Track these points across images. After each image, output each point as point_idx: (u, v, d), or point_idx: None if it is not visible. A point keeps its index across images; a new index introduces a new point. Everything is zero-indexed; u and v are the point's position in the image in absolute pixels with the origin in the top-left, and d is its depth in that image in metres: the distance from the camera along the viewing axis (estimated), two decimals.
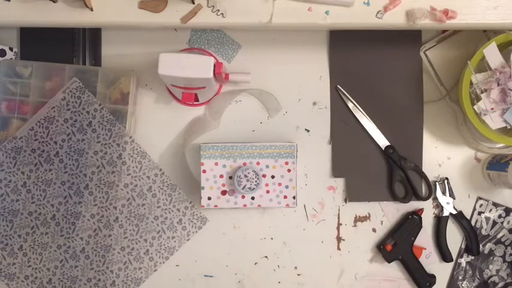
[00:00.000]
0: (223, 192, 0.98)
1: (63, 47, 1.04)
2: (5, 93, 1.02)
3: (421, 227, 1.05)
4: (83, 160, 1.03)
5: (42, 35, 1.03)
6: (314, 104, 1.06)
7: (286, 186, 0.98)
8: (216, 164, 0.98)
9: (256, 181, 0.97)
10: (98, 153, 1.03)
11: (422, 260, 1.05)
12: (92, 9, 0.88)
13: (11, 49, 1.04)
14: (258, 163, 0.98)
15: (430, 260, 1.06)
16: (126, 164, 1.04)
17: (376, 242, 1.06)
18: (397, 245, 1.04)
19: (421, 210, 1.05)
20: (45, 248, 1.03)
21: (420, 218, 1.05)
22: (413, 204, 1.06)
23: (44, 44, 1.04)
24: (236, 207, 0.99)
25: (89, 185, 1.03)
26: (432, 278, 1.05)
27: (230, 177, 0.98)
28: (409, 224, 1.04)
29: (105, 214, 1.03)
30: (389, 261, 1.04)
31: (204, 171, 0.98)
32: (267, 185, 0.98)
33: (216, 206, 0.98)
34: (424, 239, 1.06)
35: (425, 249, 1.05)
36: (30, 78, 1.02)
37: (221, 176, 0.98)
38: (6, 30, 1.05)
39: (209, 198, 0.98)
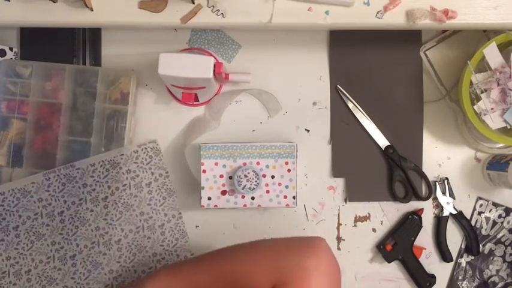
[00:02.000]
0: (223, 192, 0.98)
1: (63, 47, 1.04)
2: (5, 93, 1.02)
3: (421, 227, 1.05)
4: (126, 215, 1.02)
5: (42, 35, 1.03)
6: (314, 104, 1.06)
7: (286, 186, 0.98)
8: (216, 164, 0.98)
9: (256, 181, 0.97)
10: (144, 215, 1.03)
11: (422, 260, 1.05)
12: (92, 9, 0.88)
13: (11, 49, 1.04)
14: (258, 163, 0.98)
15: (430, 260, 1.06)
16: (163, 235, 1.03)
17: (376, 242, 1.06)
18: (397, 245, 1.04)
19: (421, 210, 1.05)
20: (51, 283, 1.01)
21: (420, 218, 1.05)
22: (413, 204, 1.06)
23: (44, 44, 1.04)
24: (236, 207, 0.99)
25: (121, 240, 1.02)
26: (432, 278, 1.05)
27: (230, 177, 0.98)
28: (409, 224, 1.04)
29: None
30: (389, 261, 1.04)
31: (204, 171, 0.98)
32: (267, 185, 0.98)
33: (216, 206, 0.98)
34: (424, 239, 1.06)
35: (425, 249, 1.05)
36: (30, 78, 1.02)
37: (221, 176, 0.98)
38: (6, 30, 1.05)
39: (209, 198, 0.98)
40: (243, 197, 0.98)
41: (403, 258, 1.04)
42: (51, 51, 1.04)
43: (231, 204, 0.98)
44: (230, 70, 1.04)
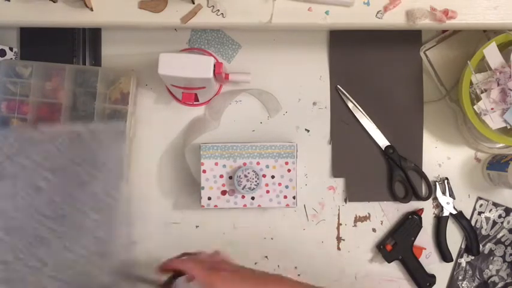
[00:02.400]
0: (223, 192, 0.98)
1: (63, 47, 1.04)
2: (5, 93, 1.02)
3: (421, 227, 1.05)
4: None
5: (42, 35, 1.03)
6: (314, 104, 1.06)
7: (286, 186, 0.98)
8: (216, 164, 0.98)
9: (256, 181, 0.97)
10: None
11: (422, 260, 1.05)
12: (92, 9, 0.88)
13: (11, 49, 1.04)
14: (258, 163, 0.98)
15: (430, 260, 1.06)
16: None
17: (376, 242, 1.06)
18: (397, 245, 1.04)
19: (421, 210, 1.05)
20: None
21: (420, 218, 1.05)
22: (413, 204, 1.06)
23: (44, 44, 1.04)
24: (236, 207, 0.99)
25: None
26: (432, 278, 1.05)
27: (230, 177, 0.98)
28: (409, 224, 1.04)
29: None
30: (389, 261, 1.04)
31: (204, 171, 0.98)
32: (267, 185, 0.98)
33: (216, 206, 0.98)
34: (424, 239, 1.06)
35: (425, 249, 1.05)
36: (30, 78, 1.02)
37: (221, 176, 0.98)
38: (6, 30, 1.05)
39: (209, 198, 0.98)
40: (243, 197, 0.98)
41: (403, 258, 1.04)
42: (51, 51, 1.04)
43: (231, 204, 0.98)
44: (230, 70, 1.04)
